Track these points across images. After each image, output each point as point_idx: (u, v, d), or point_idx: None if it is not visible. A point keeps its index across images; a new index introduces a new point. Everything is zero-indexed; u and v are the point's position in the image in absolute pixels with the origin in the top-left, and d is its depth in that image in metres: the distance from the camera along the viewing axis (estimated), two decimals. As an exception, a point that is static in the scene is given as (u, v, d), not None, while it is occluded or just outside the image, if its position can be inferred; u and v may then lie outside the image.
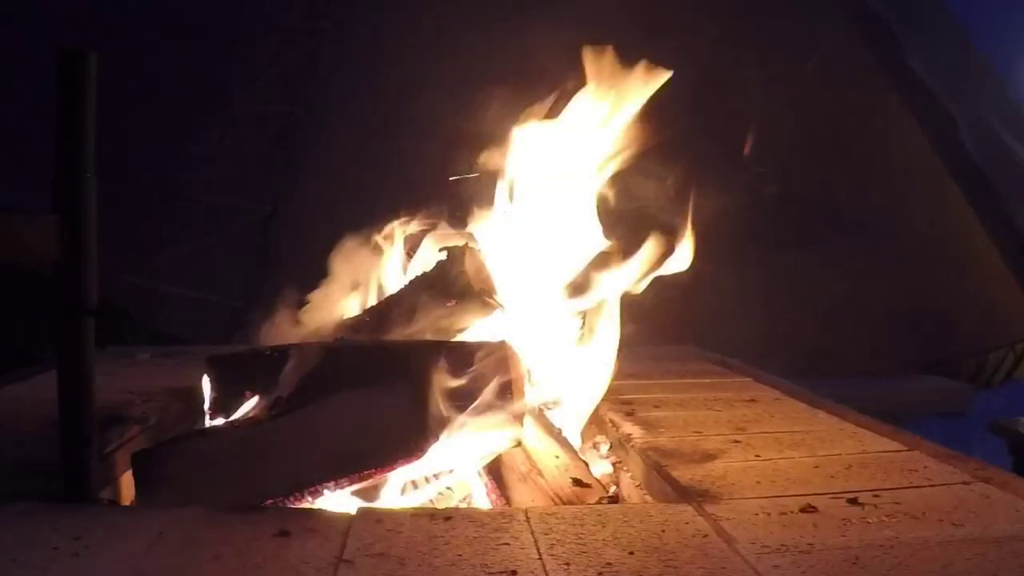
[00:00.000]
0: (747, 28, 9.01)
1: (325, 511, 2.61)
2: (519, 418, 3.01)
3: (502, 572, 2.01)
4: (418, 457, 2.90)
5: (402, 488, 3.10)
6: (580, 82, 3.71)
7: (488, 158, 3.89)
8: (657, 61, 3.67)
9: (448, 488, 3.04)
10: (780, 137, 8.81)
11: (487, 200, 3.80)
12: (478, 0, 8.61)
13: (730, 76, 8.26)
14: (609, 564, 2.06)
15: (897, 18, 10.38)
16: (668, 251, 3.59)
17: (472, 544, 2.22)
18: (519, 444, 3.03)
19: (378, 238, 4.05)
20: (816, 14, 9.90)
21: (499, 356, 3.03)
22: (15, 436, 3.28)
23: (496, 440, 3.03)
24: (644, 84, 3.57)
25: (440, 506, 2.91)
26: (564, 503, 3.01)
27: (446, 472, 3.15)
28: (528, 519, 2.41)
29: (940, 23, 10.99)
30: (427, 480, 3.15)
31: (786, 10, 9.54)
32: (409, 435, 2.89)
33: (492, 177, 3.85)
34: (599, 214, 3.67)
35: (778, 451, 3.16)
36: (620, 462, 3.57)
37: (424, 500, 3.03)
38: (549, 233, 3.55)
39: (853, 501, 2.55)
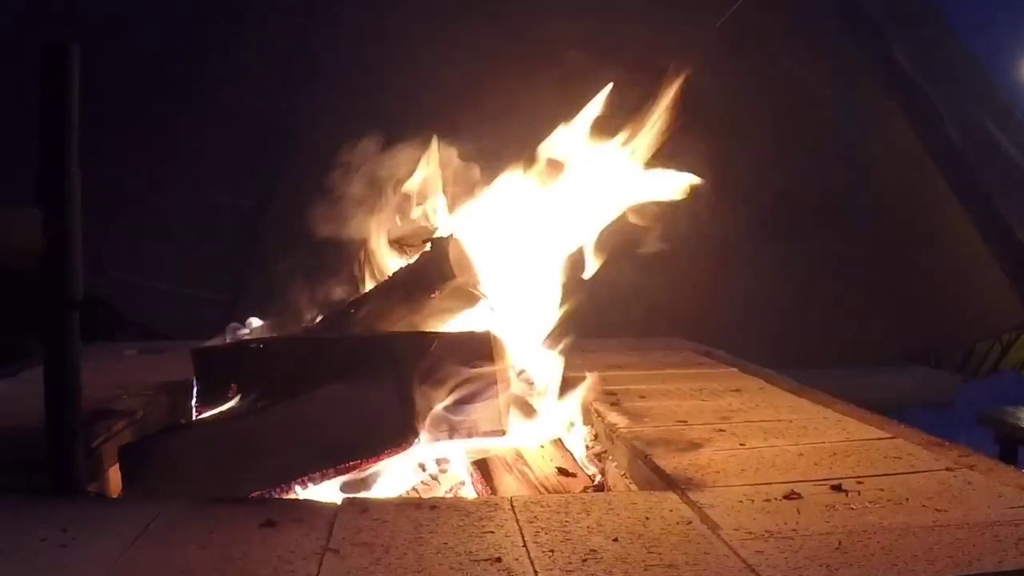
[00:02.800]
0: (731, 22, 9.03)
1: (311, 501, 2.62)
2: (504, 407, 3.02)
3: (487, 559, 2.02)
4: (404, 448, 2.91)
5: (389, 479, 3.10)
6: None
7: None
8: (645, 54, 3.68)
9: (434, 478, 3.05)
10: (765, 130, 8.84)
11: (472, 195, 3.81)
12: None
13: (714, 68, 8.27)
14: (593, 551, 2.07)
15: (882, 11, 10.40)
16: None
17: (457, 532, 2.23)
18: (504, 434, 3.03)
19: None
20: (802, 6, 9.92)
21: (484, 346, 3.04)
22: (1, 431, 3.28)
23: (486, 438, 3.05)
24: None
25: (426, 496, 2.92)
26: (549, 492, 3.03)
27: (435, 465, 3.15)
28: (513, 507, 2.42)
29: (925, 15, 11.02)
30: (421, 468, 3.16)
31: (772, 4, 9.56)
32: (395, 426, 2.90)
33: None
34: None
35: (763, 439, 3.17)
36: (605, 451, 3.58)
37: (410, 489, 3.03)
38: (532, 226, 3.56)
39: (837, 488, 2.57)
